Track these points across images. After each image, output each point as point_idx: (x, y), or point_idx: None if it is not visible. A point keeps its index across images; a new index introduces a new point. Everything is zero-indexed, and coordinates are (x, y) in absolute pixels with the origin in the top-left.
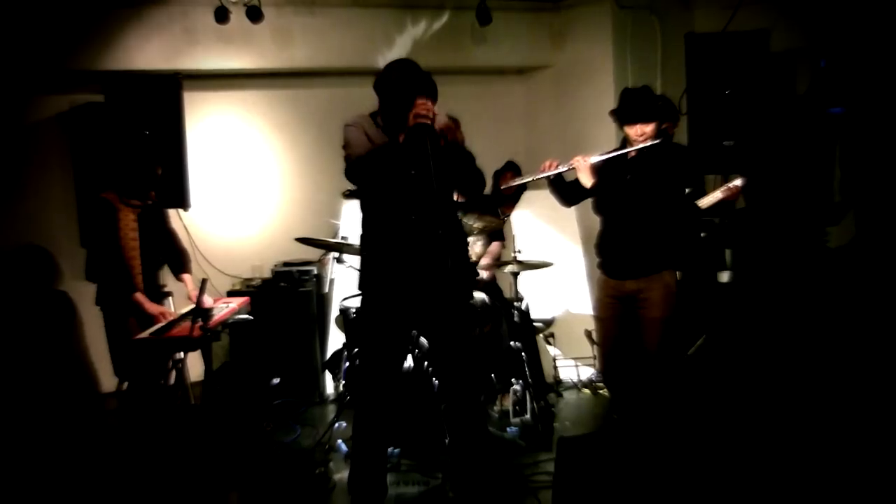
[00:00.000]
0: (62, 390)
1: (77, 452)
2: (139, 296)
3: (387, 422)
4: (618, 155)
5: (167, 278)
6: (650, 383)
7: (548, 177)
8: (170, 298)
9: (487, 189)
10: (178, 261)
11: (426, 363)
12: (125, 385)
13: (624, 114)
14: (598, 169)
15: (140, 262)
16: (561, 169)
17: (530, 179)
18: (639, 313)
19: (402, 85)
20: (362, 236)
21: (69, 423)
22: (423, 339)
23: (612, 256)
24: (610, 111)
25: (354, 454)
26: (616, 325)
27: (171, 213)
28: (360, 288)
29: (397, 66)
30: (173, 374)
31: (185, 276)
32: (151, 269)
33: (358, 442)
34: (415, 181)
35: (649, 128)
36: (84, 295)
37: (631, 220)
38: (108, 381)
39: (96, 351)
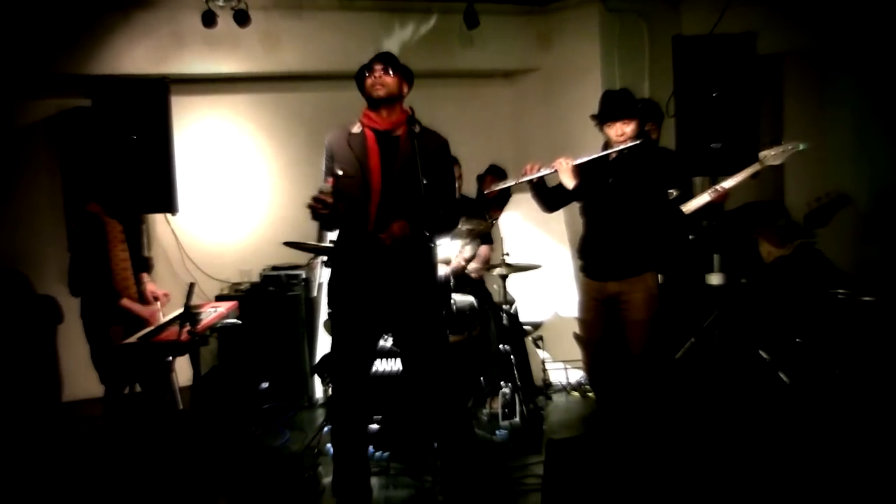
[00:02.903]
0: (49, 394)
1: (64, 458)
2: (126, 301)
3: (361, 423)
4: (599, 157)
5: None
6: (636, 386)
7: (530, 180)
8: (157, 303)
9: (472, 193)
10: (142, 262)
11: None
12: (118, 391)
13: (603, 114)
14: (580, 171)
15: (132, 270)
16: (543, 172)
17: (513, 184)
18: (621, 315)
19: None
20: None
21: (56, 429)
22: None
23: (593, 258)
24: (591, 115)
25: (336, 457)
26: (599, 328)
27: (159, 217)
28: (328, 292)
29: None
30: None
31: (142, 275)
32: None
33: (337, 445)
34: (400, 179)
35: (629, 128)
36: (72, 299)
37: (612, 222)
38: (95, 386)
39: (85, 356)
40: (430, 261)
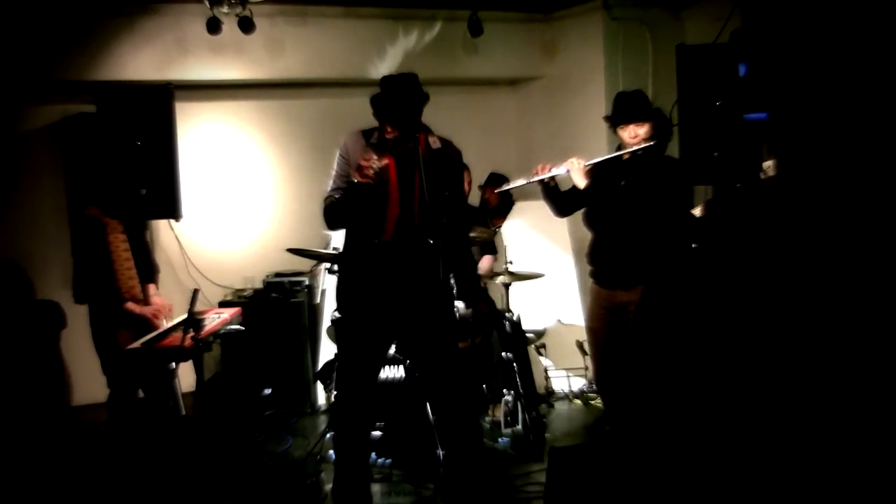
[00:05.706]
0: (54, 399)
1: (67, 463)
2: (130, 304)
3: (364, 431)
4: (612, 159)
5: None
6: (642, 394)
7: (541, 180)
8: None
9: (474, 201)
10: (149, 270)
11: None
12: (123, 396)
13: (617, 116)
14: (592, 173)
15: (136, 270)
16: (554, 171)
17: (523, 183)
18: (630, 325)
19: (375, 108)
20: (342, 247)
21: (58, 434)
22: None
23: (604, 265)
24: (604, 116)
25: (337, 464)
26: (608, 337)
27: (163, 223)
28: (336, 299)
29: (382, 83)
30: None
31: (150, 286)
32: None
33: (339, 451)
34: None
35: (643, 129)
36: (76, 304)
37: (624, 228)
38: (99, 391)
39: (90, 360)
40: (440, 270)
